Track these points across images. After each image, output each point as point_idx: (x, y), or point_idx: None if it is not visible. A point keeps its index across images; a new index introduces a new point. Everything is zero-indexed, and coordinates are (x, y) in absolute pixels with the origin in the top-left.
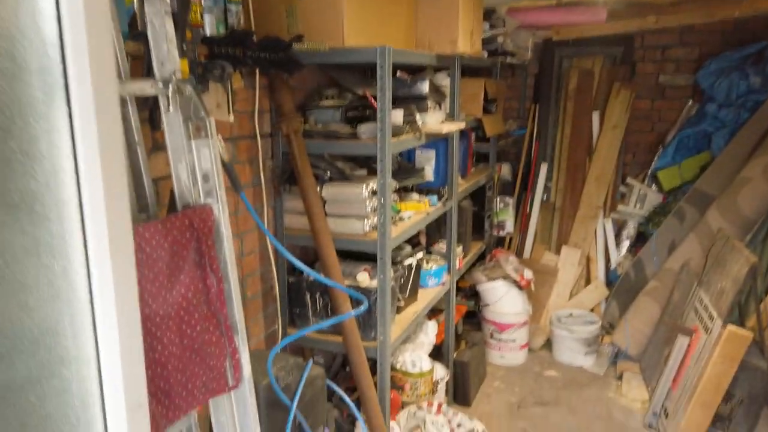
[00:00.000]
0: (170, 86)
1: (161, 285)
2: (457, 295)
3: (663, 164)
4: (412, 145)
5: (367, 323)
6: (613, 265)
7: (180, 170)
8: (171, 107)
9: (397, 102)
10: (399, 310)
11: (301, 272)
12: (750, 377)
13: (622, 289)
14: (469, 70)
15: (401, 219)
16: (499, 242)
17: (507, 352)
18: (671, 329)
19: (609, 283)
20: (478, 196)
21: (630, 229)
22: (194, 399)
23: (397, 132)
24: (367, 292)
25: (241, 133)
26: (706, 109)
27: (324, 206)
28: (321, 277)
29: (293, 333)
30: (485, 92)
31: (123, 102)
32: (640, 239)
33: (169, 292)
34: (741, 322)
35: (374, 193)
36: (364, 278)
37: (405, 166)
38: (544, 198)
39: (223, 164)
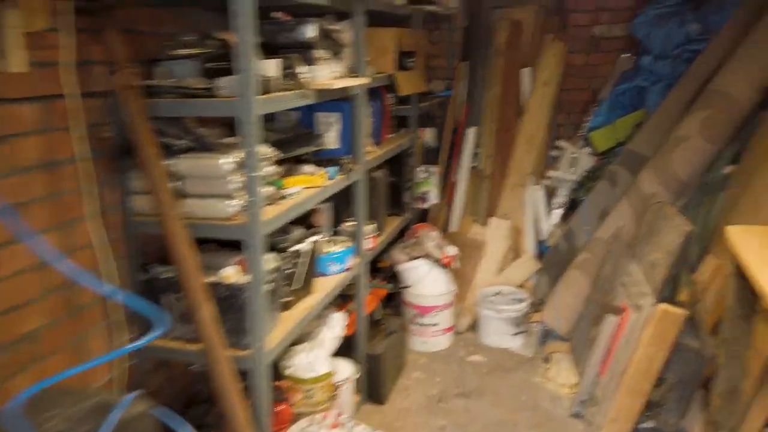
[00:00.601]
0: None
1: None
2: (375, 278)
3: (597, 123)
4: (292, 104)
5: (239, 328)
6: (543, 236)
7: None
8: None
9: (278, 51)
10: (288, 305)
11: (155, 268)
12: (682, 359)
13: (553, 261)
14: (385, 18)
15: (283, 197)
16: (425, 216)
17: (429, 338)
18: (600, 307)
19: (541, 255)
20: (398, 166)
21: (562, 197)
22: None
23: (270, 87)
24: (236, 290)
25: (56, 91)
26: (641, 62)
27: (183, 184)
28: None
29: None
30: (399, 44)
31: None
32: (573, 207)
33: None
34: (673, 296)
35: (242, 166)
36: (231, 273)
37: (301, 132)
38: (474, 165)
39: None
